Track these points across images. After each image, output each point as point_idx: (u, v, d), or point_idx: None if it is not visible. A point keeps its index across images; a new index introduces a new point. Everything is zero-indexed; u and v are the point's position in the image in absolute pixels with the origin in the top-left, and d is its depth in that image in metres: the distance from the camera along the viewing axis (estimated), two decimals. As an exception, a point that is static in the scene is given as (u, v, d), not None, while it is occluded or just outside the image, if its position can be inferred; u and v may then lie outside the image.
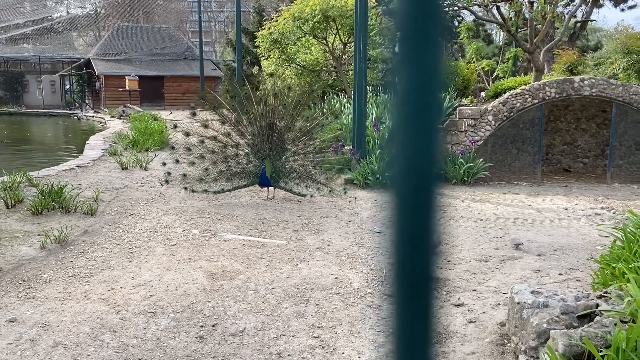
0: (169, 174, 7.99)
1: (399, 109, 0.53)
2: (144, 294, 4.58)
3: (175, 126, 8.47)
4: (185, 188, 7.91)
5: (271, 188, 8.32)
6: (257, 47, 18.05)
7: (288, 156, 8.24)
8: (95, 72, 31.17)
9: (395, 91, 0.53)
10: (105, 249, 5.82)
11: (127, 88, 29.90)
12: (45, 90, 33.80)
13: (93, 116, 27.85)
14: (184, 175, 7.93)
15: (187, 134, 7.96)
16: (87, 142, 14.80)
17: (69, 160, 11.90)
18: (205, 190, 7.94)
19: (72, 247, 5.82)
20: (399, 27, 0.51)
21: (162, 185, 8.12)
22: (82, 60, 33.45)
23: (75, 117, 29.03)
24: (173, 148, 8.09)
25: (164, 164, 8.11)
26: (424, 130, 0.53)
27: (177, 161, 7.98)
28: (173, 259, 5.50)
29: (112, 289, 4.70)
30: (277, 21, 16.61)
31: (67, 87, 35.60)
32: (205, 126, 7.98)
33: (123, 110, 24.16)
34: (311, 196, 8.22)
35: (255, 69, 20.06)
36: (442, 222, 0.55)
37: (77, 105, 34.62)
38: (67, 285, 4.78)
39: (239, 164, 8.11)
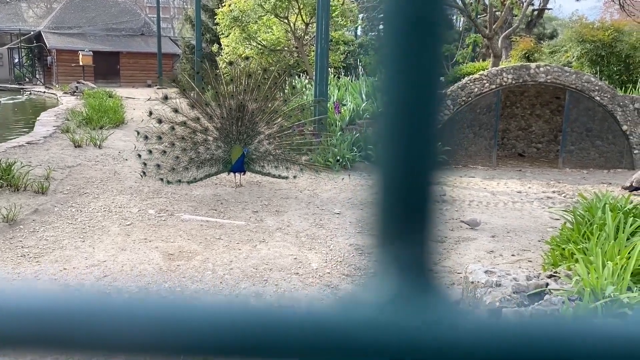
0: (145, 164, 7.52)
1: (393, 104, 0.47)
2: (98, 274, 4.47)
3: (150, 113, 7.78)
4: (162, 179, 7.42)
5: (239, 174, 7.94)
6: (217, 24, 17.69)
7: (262, 139, 7.90)
8: (46, 46, 29.86)
9: (387, 84, 0.48)
10: (57, 228, 5.64)
11: (81, 63, 28.83)
12: (-8, 63, 32.23)
13: (44, 92, 26.75)
14: (158, 165, 7.43)
15: (160, 121, 7.45)
16: (38, 118, 14.23)
17: (18, 137, 11.42)
18: (179, 181, 7.47)
19: (21, 227, 5.61)
20: (390, 13, 0.46)
21: (141, 177, 7.66)
22: (32, 32, 31.94)
23: (27, 93, 27.80)
24: (146, 137, 7.53)
25: (139, 155, 7.64)
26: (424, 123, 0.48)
27: (150, 152, 7.46)
28: (128, 239, 5.38)
29: (65, 269, 4.57)
30: (237, -2, 16.28)
31: (17, 60, 34.05)
32: (176, 111, 7.56)
33: (76, 87, 23.29)
34: (294, 177, 7.95)
35: (215, 47, 19.64)
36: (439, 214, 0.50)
37: (27, 80, 33.18)
38: (15, 266, 4.61)
39: (208, 149, 7.70)
